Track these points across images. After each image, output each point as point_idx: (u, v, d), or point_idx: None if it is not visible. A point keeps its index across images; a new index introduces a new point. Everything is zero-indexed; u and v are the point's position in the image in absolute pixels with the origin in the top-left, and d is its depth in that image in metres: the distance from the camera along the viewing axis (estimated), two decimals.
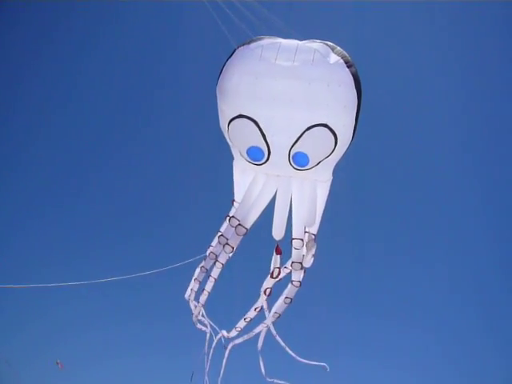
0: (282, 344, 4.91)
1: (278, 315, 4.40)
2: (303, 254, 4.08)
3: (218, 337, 5.01)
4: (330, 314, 12.97)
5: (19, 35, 12.75)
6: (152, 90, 14.12)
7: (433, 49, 12.79)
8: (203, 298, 4.52)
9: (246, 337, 4.80)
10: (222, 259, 4.19)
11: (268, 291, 4.39)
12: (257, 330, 4.72)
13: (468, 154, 13.47)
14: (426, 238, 13.82)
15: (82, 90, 13.81)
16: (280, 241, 3.99)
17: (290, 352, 4.92)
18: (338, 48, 3.21)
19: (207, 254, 4.36)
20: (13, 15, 12.20)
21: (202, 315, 4.92)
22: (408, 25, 12.78)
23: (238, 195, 4.13)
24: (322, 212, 4.05)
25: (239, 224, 3.82)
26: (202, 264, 4.42)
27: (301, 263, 4.03)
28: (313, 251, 4.27)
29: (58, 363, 11.73)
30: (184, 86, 13.80)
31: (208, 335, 5.03)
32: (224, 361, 5.01)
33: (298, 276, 4.18)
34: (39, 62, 13.49)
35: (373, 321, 13.61)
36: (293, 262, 4.06)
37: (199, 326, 5.02)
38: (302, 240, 3.92)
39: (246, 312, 4.61)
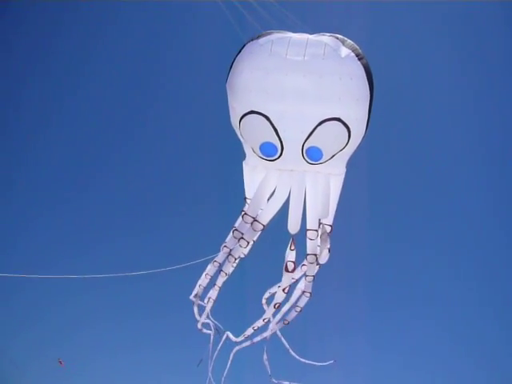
0: (288, 347, 4.92)
1: (299, 309, 4.40)
2: (318, 245, 4.08)
3: (223, 338, 4.96)
4: (342, 306, 12.94)
5: (18, 35, 12.86)
6: (166, 88, 14.19)
7: (448, 43, 12.59)
8: (214, 293, 4.48)
9: (248, 343, 4.76)
10: (236, 254, 4.18)
11: (287, 289, 4.30)
12: (275, 327, 4.68)
13: (484, 146, 13.24)
14: (440, 228, 13.66)
15: (94, 82, 13.92)
16: (295, 235, 3.96)
17: (295, 355, 4.92)
18: (349, 41, 3.20)
19: (221, 247, 4.36)
20: (12, 15, 12.30)
21: (208, 316, 4.84)
22: (423, 19, 12.56)
23: (250, 193, 4.12)
24: (336, 203, 4.03)
25: (255, 220, 3.84)
26: (215, 259, 4.42)
27: (316, 255, 4.03)
28: (327, 244, 4.26)
29: (60, 362, 11.76)
30: (196, 82, 13.85)
31: (212, 337, 4.96)
32: (228, 364, 4.99)
33: (312, 270, 4.18)
34: (46, 59, 13.58)
35: (386, 313, 13.56)
36: (308, 255, 4.04)
37: (202, 328, 4.93)
38: (316, 231, 3.91)
39: (255, 312, 4.60)
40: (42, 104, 13.75)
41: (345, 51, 3.12)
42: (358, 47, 3.20)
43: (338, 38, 3.18)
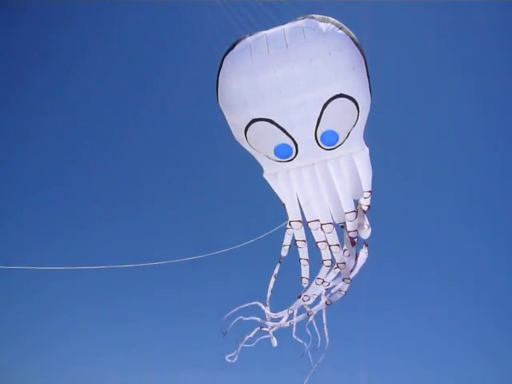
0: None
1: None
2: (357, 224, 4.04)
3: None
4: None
5: (17, 35, 12.93)
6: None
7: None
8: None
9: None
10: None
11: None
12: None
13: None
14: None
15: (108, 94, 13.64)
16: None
17: None
18: (323, 16, 3.12)
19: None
20: (11, 14, 12.34)
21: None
22: (421, 20, 12.19)
23: (285, 199, 4.00)
24: (369, 178, 3.84)
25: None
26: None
27: (353, 238, 4.06)
28: (366, 221, 4.22)
29: None
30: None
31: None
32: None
33: (351, 251, 4.23)
34: (45, 59, 13.14)
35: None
36: (349, 232, 4.01)
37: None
38: (355, 212, 3.85)
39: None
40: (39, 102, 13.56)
41: (324, 26, 3.05)
42: (333, 19, 3.11)
43: (312, 18, 3.10)
